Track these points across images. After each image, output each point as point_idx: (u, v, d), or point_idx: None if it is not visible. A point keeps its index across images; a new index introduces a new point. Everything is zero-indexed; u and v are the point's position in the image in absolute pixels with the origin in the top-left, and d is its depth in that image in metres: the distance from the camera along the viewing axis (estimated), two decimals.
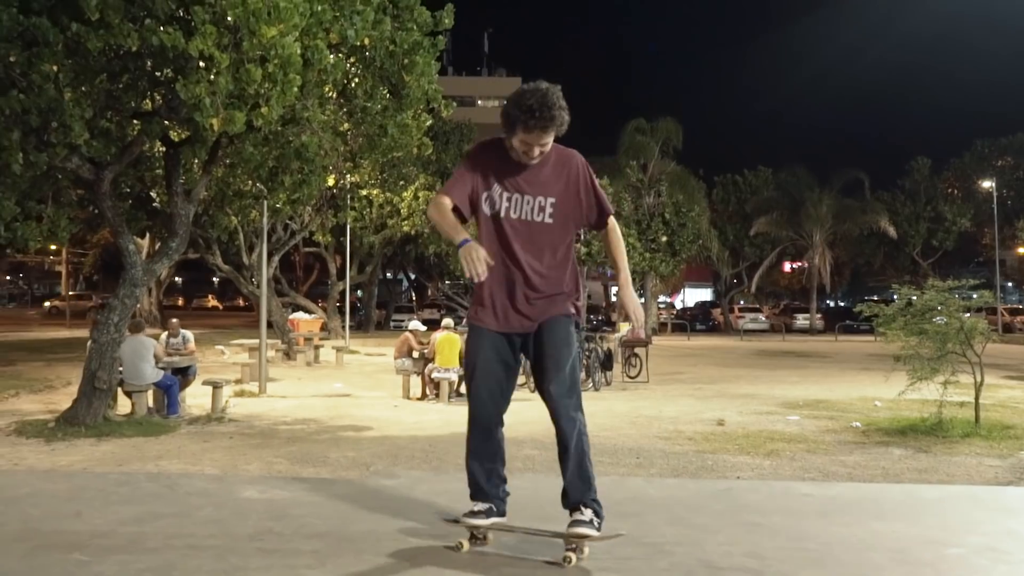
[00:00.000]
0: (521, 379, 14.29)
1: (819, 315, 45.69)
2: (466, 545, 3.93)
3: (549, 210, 3.87)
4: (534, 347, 3.89)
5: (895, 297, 10.68)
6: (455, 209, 3.89)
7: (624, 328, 18.80)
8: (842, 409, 11.98)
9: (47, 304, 58.54)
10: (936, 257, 47.43)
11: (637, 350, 17.04)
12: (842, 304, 59.32)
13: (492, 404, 3.89)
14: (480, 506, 3.93)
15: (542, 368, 3.83)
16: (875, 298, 33.61)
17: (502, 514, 3.98)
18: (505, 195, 3.87)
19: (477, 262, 3.64)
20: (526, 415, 10.08)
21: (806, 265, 47.52)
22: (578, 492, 3.81)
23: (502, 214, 3.87)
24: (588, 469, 3.84)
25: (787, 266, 54.20)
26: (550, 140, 3.79)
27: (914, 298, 10.26)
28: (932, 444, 8.97)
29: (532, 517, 4.33)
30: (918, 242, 46.45)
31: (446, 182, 4.07)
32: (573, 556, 3.74)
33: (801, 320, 45.28)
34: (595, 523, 3.75)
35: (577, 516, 3.75)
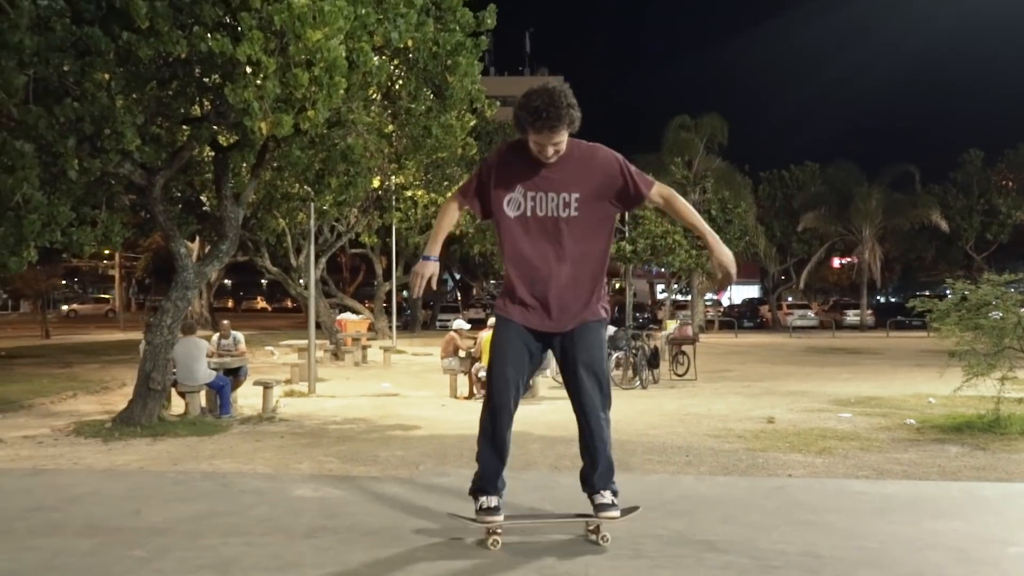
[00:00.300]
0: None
1: (870, 311, 44.97)
2: (500, 542, 3.93)
3: (574, 205, 3.84)
4: (566, 348, 3.93)
5: (948, 292, 10.45)
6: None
7: (671, 326, 18.70)
8: (895, 406, 11.78)
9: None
10: (990, 251, 46.38)
11: (684, 348, 16.92)
12: (893, 300, 58.32)
13: (513, 394, 3.92)
14: (493, 501, 3.95)
15: (575, 371, 3.89)
16: (927, 293, 32.97)
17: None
18: (529, 195, 3.87)
19: (419, 281, 3.96)
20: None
21: (856, 261, 46.78)
22: (604, 480, 3.97)
23: (528, 213, 3.87)
24: (612, 460, 4.00)
25: (836, 262, 53.43)
26: (562, 139, 3.76)
27: (968, 293, 10.05)
28: (990, 441, 8.79)
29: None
30: (971, 236, 45.47)
31: (463, 183, 4.13)
32: (608, 535, 3.96)
33: (851, 316, 44.64)
34: (616, 503, 3.93)
35: (601, 500, 3.92)
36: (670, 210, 4.03)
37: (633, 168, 3.97)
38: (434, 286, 3.96)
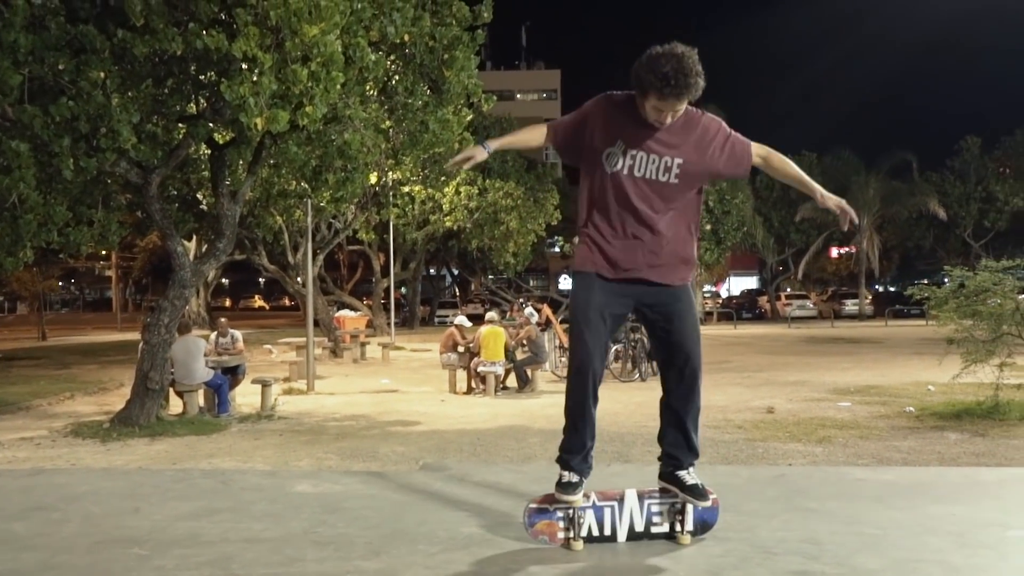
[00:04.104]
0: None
1: (868, 300, 44.98)
2: (580, 544, 3.79)
3: (675, 171, 3.72)
4: (659, 305, 3.82)
5: (946, 280, 10.46)
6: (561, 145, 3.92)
7: None
8: (894, 394, 11.80)
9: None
10: (988, 238, 46.38)
11: None
12: (892, 289, 58.33)
13: (598, 356, 3.79)
14: (574, 476, 3.81)
15: (676, 325, 3.80)
16: (925, 281, 32.98)
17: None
18: (630, 152, 3.72)
19: (461, 157, 3.83)
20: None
21: (854, 250, 46.80)
22: (694, 453, 3.91)
23: (624, 172, 3.73)
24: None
25: (834, 251, 53.41)
26: (683, 107, 3.65)
27: (966, 279, 10.05)
28: (989, 428, 8.81)
29: None
30: (969, 223, 45.50)
31: (557, 120, 4.01)
32: (688, 537, 3.86)
33: (850, 306, 44.59)
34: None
35: (691, 480, 3.82)
36: (769, 168, 3.94)
37: (737, 135, 3.85)
38: (465, 167, 3.87)
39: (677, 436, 3.89)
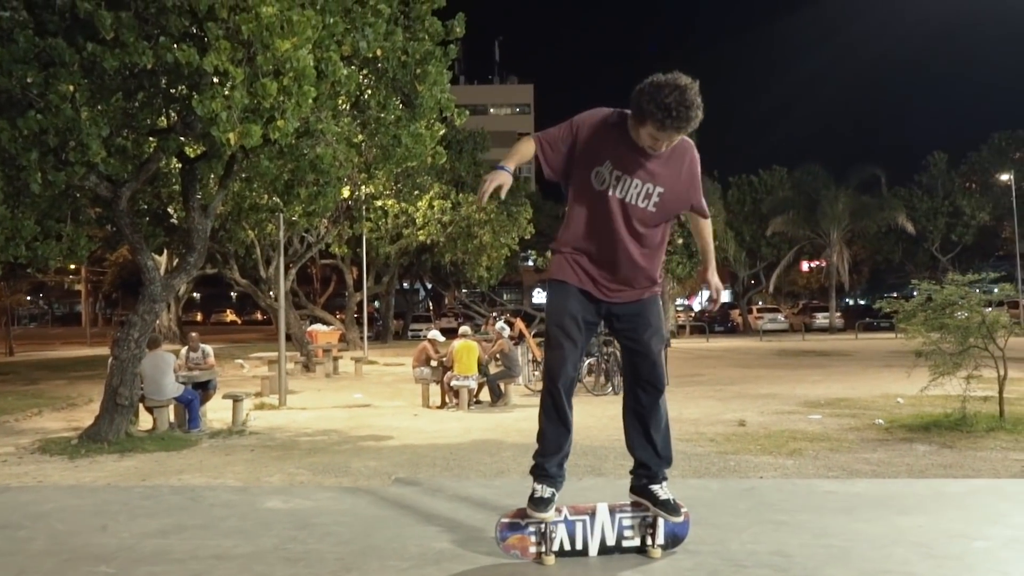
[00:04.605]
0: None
1: (839, 313, 45.42)
2: (552, 559, 3.81)
3: (655, 199, 3.75)
4: (626, 318, 3.89)
5: (915, 293, 10.60)
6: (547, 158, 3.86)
7: None
8: (864, 407, 11.91)
9: None
10: (955, 252, 47.10)
11: None
12: (861, 302, 58.96)
13: (573, 362, 3.82)
14: (547, 491, 3.80)
15: (642, 339, 3.86)
16: (894, 295, 33.34)
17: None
18: (615, 174, 3.73)
19: (488, 186, 3.67)
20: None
21: (824, 264, 47.30)
22: (665, 466, 3.93)
23: (609, 192, 3.75)
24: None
25: (805, 265, 53.94)
26: (680, 138, 3.67)
27: (933, 293, 10.18)
28: (956, 439, 8.91)
29: None
30: (937, 237, 46.19)
31: (547, 130, 3.94)
32: (659, 551, 3.87)
33: (821, 319, 45.00)
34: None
35: (664, 495, 3.83)
36: (693, 222, 4.09)
37: (700, 184, 3.94)
38: (502, 196, 3.74)
39: (647, 444, 3.92)
